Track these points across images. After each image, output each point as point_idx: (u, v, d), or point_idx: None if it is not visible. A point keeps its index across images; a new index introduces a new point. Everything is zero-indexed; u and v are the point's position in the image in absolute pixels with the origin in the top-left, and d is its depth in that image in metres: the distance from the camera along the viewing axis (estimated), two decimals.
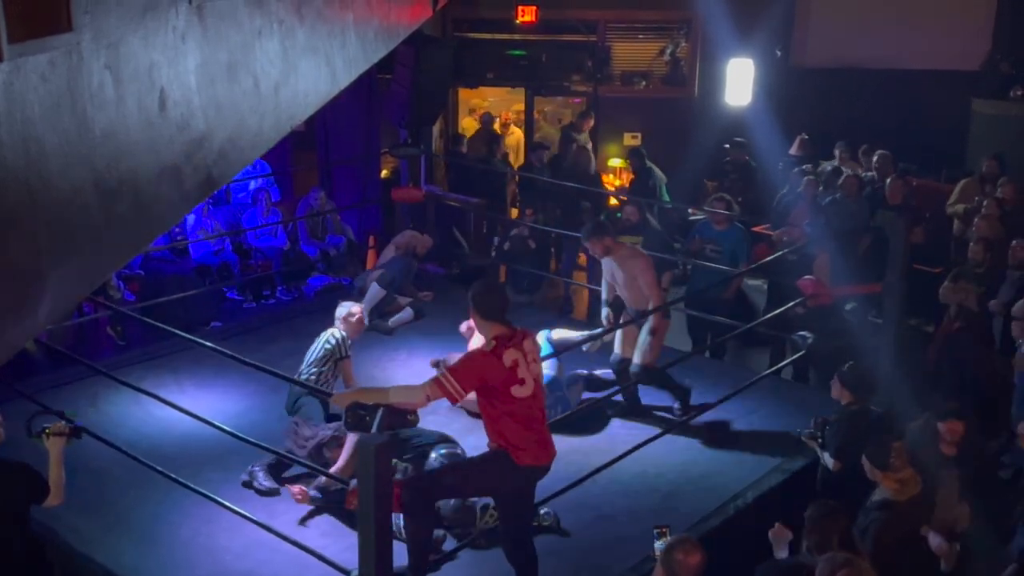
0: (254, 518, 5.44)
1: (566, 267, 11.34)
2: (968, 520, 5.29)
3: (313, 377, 6.77)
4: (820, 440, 6.19)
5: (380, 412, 5.00)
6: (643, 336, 6.99)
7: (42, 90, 2.82)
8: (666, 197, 11.66)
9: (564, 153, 12.35)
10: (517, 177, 12.29)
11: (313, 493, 5.93)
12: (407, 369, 7.93)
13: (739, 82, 11.86)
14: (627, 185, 12.31)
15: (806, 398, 7.54)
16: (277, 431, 6.61)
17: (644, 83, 13.81)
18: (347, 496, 5.57)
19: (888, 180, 10.15)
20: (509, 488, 4.95)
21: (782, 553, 5.03)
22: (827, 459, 6.11)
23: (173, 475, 5.73)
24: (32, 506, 5.06)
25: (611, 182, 13.23)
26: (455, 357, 6.40)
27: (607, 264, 7.16)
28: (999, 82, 11.82)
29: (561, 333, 7.54)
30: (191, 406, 6.19)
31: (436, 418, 6.65)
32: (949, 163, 11.71)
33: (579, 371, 7.47)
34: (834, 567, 4.29)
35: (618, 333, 7.16)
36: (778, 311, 7.78)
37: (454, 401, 4.71)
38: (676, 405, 7.22)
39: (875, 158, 11.08)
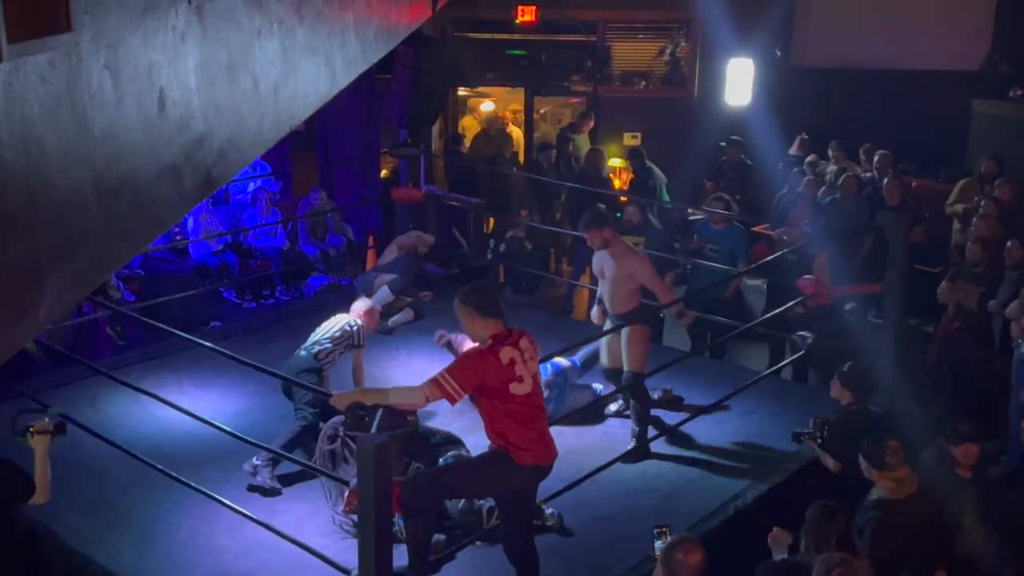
0: (255, 517, 5.44)
1: (579, 269, 11.21)
2: (983, 542, 5.31)
3: (327, 348, 6.82)
4: (819, 440, 6.19)
5: (380, 413, 5.00)
6: (623, 344, 6.76)
7: (42, 90, 2.82)
8: (666, 197, 11.66)
9: (562, 154, 12.34)
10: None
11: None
12: (407, 369, 7.94)
13: (739, 82, 11.86)
14: (627, 185, 12.31)
15: (806, 398, 7.54)
16: (277, 431, 6.61)
17: (644, 83, 13.81)
18: (347, 496, 5.57)
19: (885, 181, 10.15)
20: (510, 488, 4.95)
21: (781, 556, 5.03)
22: (827, 459, 6.11)
23: (173, 475, 5.73)
24: (29, 505, 5.04)
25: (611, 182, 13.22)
26: (461, 338, 6.37)
27: (599, 258, 6.89)
28: (999, 82, 11.83)
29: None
30: (191, 406, 6.19)
31: (436, 417, 6.66)
32: (949, 163, 11.72)
33: (595, 386, 7.46)
34: (830, 567, 4.30)
35: (602, 342, 6.96)
36: (778, 311, 7.78)
37: (453, 402, 4.68)
38: (632, 441, 6.78)
39: (875, 158, 11.09)
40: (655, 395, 7.31)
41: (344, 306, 7.38)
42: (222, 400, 7.42)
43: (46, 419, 5.02)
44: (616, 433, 6.95)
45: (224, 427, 5.70)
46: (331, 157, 12.13)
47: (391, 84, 10.15)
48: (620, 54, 13.92)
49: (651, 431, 6.74)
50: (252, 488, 6.22)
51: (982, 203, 9.28)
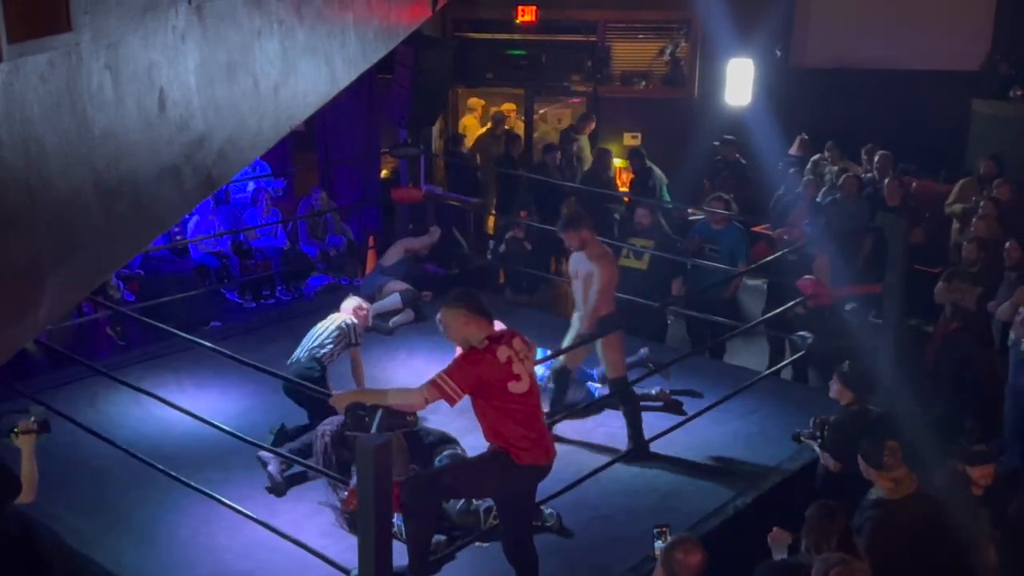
0: (255, 517, 5.44)
1: None
2: (995, 559, 5.30)
3: (327, 351, 6.84)
4: (820, 440, 6.19)
5: (379, 413, 5.00)
6: (599, 351, 6.69)
7: (42, 90, 2.82)
8: (667, 197, 11.66)
9: (566, 155, 12.33)
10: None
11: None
12: (407, 369, 7.94)
13: (739, 82, 11.87)
14: (627, 186, 12.30)
15: (806, 398, 7.54)
16: (277, 431, 6.62)
17: (644, 83, 13.80)
18: (347, 496, 5.57)
19: (886, 181, 10.15)
20: (509, 488, 4.95)
21: (780, 556, 5.03)
22: (827, 459, 6.11)
23: (173, 474, 5.73)
24: (29, 505, 5.05)
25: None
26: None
27: (575, 259, 6.79)
28: (999, 82, 11.83)
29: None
30: (191, 406, 6.19)
31: (436, 418, 6.66)
32: (949, 163, 11.72)
33: (590, 385, 7.47)
34: (828, 567, 4.31)
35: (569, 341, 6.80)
36: (778, 311, 7.78)
37: (452, 403, 4.67)
38: (628, 443, 6.70)
39: (875, 158, 11.09)
40: (653, 390, 7.33)
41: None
42: (222, 400, 7.42)
43: (31, 419, 5.02)
44: (616, 433, 6.95)
45: (224, 427, 5.70)
46: (331, 157, 12.13)
47: (391, 84, 10.15)
48: (620, 54, 13.92)
49: (651, 433, 6.73)
50: (254, 487, 6.21)
51: (981, 204, 9.28)
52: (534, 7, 13.27)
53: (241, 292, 10.66)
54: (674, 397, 7.49)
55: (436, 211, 10.83)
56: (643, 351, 7.75)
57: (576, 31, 13.74)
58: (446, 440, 6.20)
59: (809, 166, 11.67)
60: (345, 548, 5.28)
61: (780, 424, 7.03)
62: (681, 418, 7.02)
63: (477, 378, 4.66)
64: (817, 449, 6.22)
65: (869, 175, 11.00)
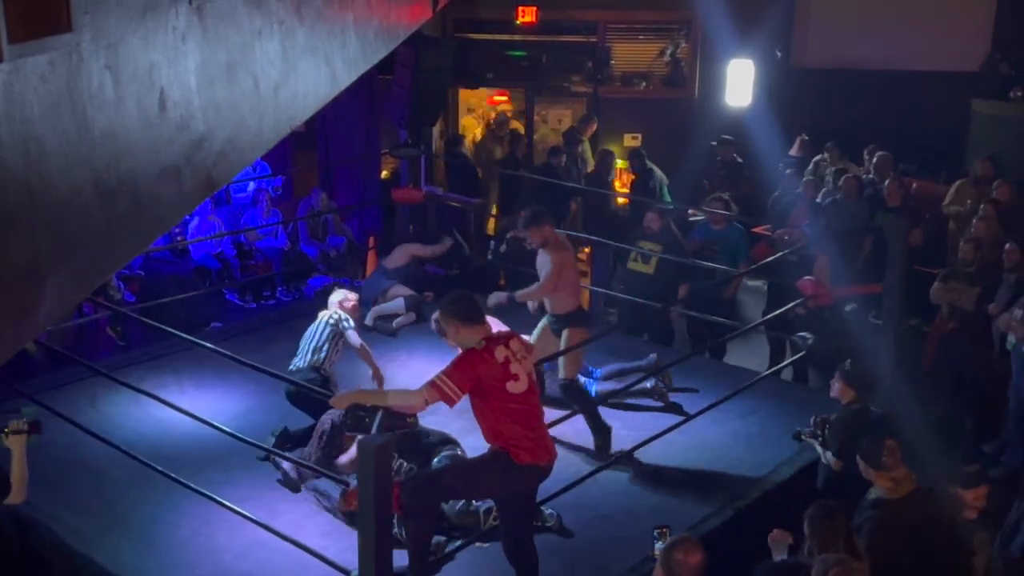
0: (254, 518, 5.44)
1: (599, 275, 11.14)
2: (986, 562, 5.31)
3: (324, 356, 6.88)
4: (821, 439, 6.20)
5: (380, 414, 5.01)
6: (561, 347, 6.65)
7: (42, 90, 2.82)
8: (668, 198, 11.65)
9: (571, 156, 12.32)
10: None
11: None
12: (407, 369, 7.94)
13: (739, 83, 11.87)
14: (628, 187, 12.30)
15: (806, 399, 7.54)
16: (277, 431, 6.62)
17: (644, 84, 13.80)
18: (347, 496, 5.57)
19: (887, 182, 10.15)
20: (509, 488, 4.95)
21: (781, 557, 5.03)
22: (829, 458, 6.12)
23: (173, 475, 5.73)
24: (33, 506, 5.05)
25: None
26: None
27: (542, 256, 6.78)
28: (999, 83, 11.82)
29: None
30: (191, 407, 6.19)
31: (436, 418, 6.66)
32: (949, 164, 11.72)
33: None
34: (827, 567, 4.32)
35: (532, 338, 6.66)
36: (779, 311, 7.78)
37: (451, 403, 4.68)
38: (593, 445, 6.71)
39: (874, 159, 11.09)
40: (647, 384, 7.32)
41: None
42: (222, 401, 7.42)
43: (22, 419, 5.02)
44: (616, 433, 6.94)
45: (224, 428, 5.70)
46: (331, 157, 12.13)
47: (392, 84, 10.16)
48: (620, 55, 13.92)
49: (651, 431, 6.72)
50: (254, 487, 6.22)
51: (981, 205, 9.27)
52: (534, 8, 13.26)
53: (241, 293, 10.66)
54: (672, 400, 7.48)
55: (436, 212, 10.83)
56: (652, 356, 7.72)
57: (576, 32, 13.74)
58: (446, 441, 6.20)
59: (810, 167, 11.68)
60: (345, 548, 5.28)
61: (780, 425, 7.03)
62: (681, 418, 7.02)
63: (476, 378, 4.67)
64: (819, 448, 6.22)
65: (869, 176, 10.99)
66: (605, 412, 7.10)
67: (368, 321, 8.60)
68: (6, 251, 2.73)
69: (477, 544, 5.58)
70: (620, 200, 11.94)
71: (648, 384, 7.38)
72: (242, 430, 5.90)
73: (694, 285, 8.95)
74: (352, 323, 7.15)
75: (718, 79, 12.45)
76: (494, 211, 12.21)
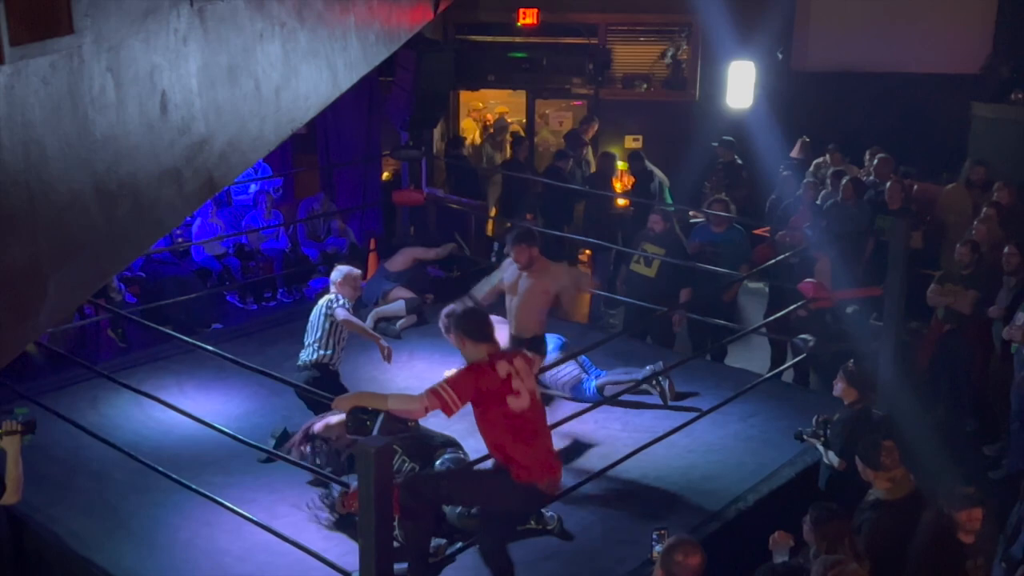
0: (255, 520, 5.44)
1: (599, 277, 11.12)
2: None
3: (329, 353, 6.79)
4: (823, 439, 6.20)
5: (381, 417, 5.00)
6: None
7: (43, 93, 2.82)
8: (669, 200, 11.65)
9: (576, 159, 12.32)
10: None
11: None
12: (408, 371, 7.94)
13: (740, 85, 11.87)
14: (628, 189, 12.30)
15: (807, 401, 7.53)
16: (278, 433, 6.61)
17: (645, 86, 13.80)
18: (348, 498, 5.57)
19: (888, 184, 10.15)
20: (504, 505, 4.94)
21: (782, 559, 5.03)
22: (831, 458, 6.12)
23: (174, 477, 5.73)
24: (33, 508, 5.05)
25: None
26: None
27: (513, 273, 6.70)
28: (999, 86, 11.82)
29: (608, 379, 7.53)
30: (192, 408, 6.18)
31: (438, 420, 6.65)
32: (949, 166, 11.71)
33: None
34: (825, 568, 4.32)
35: None
36: (780, 314, 7.78)
37: (449, 413, 4.67)
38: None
39: (875, 161, 11.09)
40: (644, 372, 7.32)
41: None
42: (223, 402, 7.41)
43: (16, 419, 5.01)
44: (617, 436, 6.95)
45: (225, 429, 5.70)
46: (332, 159, 12.14)
47: (393, 87, 10.16)
48: (621, 57, 13.91)
49: (652, 434, 6.72)
50: (255, 489, 6.21)
51: (984, 208, 9.27)
52: (535, 10, 13.27)
53: (242, 295, 10.66)
54: (673, 401, 7.47)
55: (437, 214, 10.84)
56: (659, 363, 7.69)
57: (577, 34, 13.74)
58: (448, 443, 6.20)
59: (811, 168, 11.67)
60: (346, 551, 5.27)
61: (781, 427, 7.02)
62: (682, 421, 7.01)
63: (476, 390, 4.68)
64: (820, 448, 6.22)
65: (870, 178, 10.99)
66: (606, 412, 7.11)
67: (369, 323, 8.60)
68: (7, 253, 2.73)
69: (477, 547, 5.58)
70: (620, 202, 11.94)
71: (646, 372, 7.36)
72: (243, 432, 5.90)
73: (693, 287, 8.94)
74: (343, 300, 6.94)
75: (719, 81, 12.46)
76: (492, 213, 12.22)
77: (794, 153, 12.11)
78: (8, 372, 6.54)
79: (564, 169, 11.54)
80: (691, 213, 10.89)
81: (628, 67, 13.90)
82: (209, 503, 5.59)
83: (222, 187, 4.66)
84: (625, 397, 7.26)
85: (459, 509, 5.71)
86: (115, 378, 6.48)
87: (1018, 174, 10.35)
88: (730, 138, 11.98)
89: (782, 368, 8.15)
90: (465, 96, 14.54)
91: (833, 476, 6.15)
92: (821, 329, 8.02)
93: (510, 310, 6.71)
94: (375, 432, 4.71)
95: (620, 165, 12.69)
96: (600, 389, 7.42)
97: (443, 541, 5.56)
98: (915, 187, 10.93)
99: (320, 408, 6.51)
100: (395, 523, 4.79)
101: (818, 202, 10.41)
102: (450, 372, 4.80)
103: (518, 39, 13.73)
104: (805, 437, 6.36)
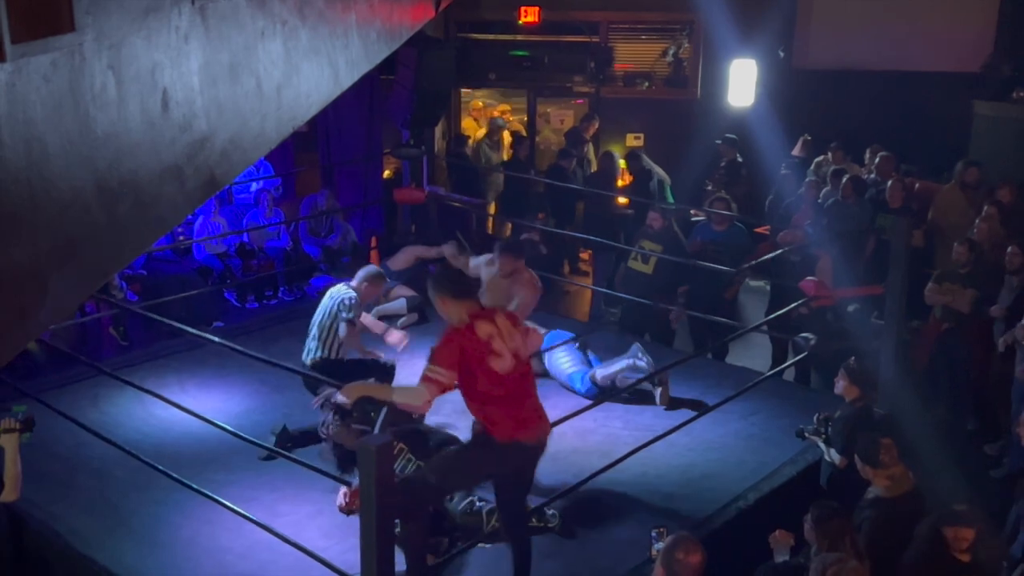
0: (256, 519, 5.44)
1: (600, 276, 11.11)
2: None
3: (334, 348, 6.78)
4: (824, 436, 6.20)
5: (384, 412, 5.01)
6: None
7: (44, 91, 2.82)
8: (670, 198, 11.64)
9: (576, 158, 12.32)
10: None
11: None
12: (408, 369, 7.89)
13: (742, 83, 11.85)
14: (627, 188, 12.29)
15: (808, 399, 7.54)
16: (279, 431, 6.62)
17: (646, 84, 13.80)
18: (349, 497, 5.58)
19: (889, 183, 10.15)
20: (496, 469, 4.92)
21: (782, 558, 5.03)
22: (832, 455, 6.12)
23: (175, 475, 5.74)
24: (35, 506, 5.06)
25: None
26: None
27: (491, 273, 7.06)
28: (1000, 84, 11.80)
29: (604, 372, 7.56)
30: (193, 406, 6.19)
31: (437, 419, 6.66)
32: (951, 165, 11.69)
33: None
34: (824, 566, 4.32)
35: None
36: (781, 312, 7.78)
37: (450, 388, 4.66)
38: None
39: (876, 160, 11.08)
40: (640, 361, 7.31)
41: None
42: (224, 400, 7.42)
43: (14, 417, 5.02)
44: (618, 435, 6.96)
45: (226, 427, 5.70)
46: (333, 158, 12.14)
47: (393, 85, 10.16)
48: (623, 55, 13.91)
49: (652, 432, 6.72)
50: (257, 487, 6.21)
51: (985, 207, 9.26)
52: (537, 8, 13.27)
53: (242, 293, 10.66)
54: (673, 397, 7.48)
55: (438, 212, 10.84)
56: (637, 346, 7.69)
57: (579, 32, 13.74)
58: (449, 441, 6.20)
59: (812, 167, 11.67)
60: (347, 549, 5.27)
61: (782, 425, 7.03)
62: (683, 419, 7.01)
63: (459, 353, 4.63)
64: (822, 446, 6.23)
65: (872, 176, 10.99)
66: (607, 410, 7.12)
67: (370, 322, 8.59)
68: (8, 251, 2.74)
69: (480, 545, 5.58)
70: (621, 200, 11.95)
71: (642, 362, 7.37)
72: (244, 429, 5.90)
73: (694, 286, 8.95)
74: (352, 302, 6.91)
75: (720, 79, 12.44)
76: (491, 211, 12.23)
77: (795, 151, 12.11)
78: (9, 370, 6.55)
79: (568, 168, 11.54)
80: (692, 212, 10.88)
81: (630, 65, 13.90)
82: (210, 501, 5.59)
83: (223, 185, 4.66)
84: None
85: (462, 505, 5.71)
86: (116, 376, 6.49)
87: (1019, 173, 10.33)
88: (733, 136, 11.98)
89: (783, 366, 8.15)
90: (466, 95, 14.54)
91: (834, 474, 6.16)
92: (822, 327, 8.02)
93: None
94: (377, 427, 4.72)
95: (622, 163, 12.70)
96: (592, 379, 7.47)
97: (445, 540, 5.56)
98: (916, 185, 10.92)
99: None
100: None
101: (819, 200, 10.41)
102: (432, 346, 4.74)
103: (519, 37, 13.73)
104: (806, 435, 6.37)
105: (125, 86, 3.31)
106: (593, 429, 6.99)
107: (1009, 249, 8.04)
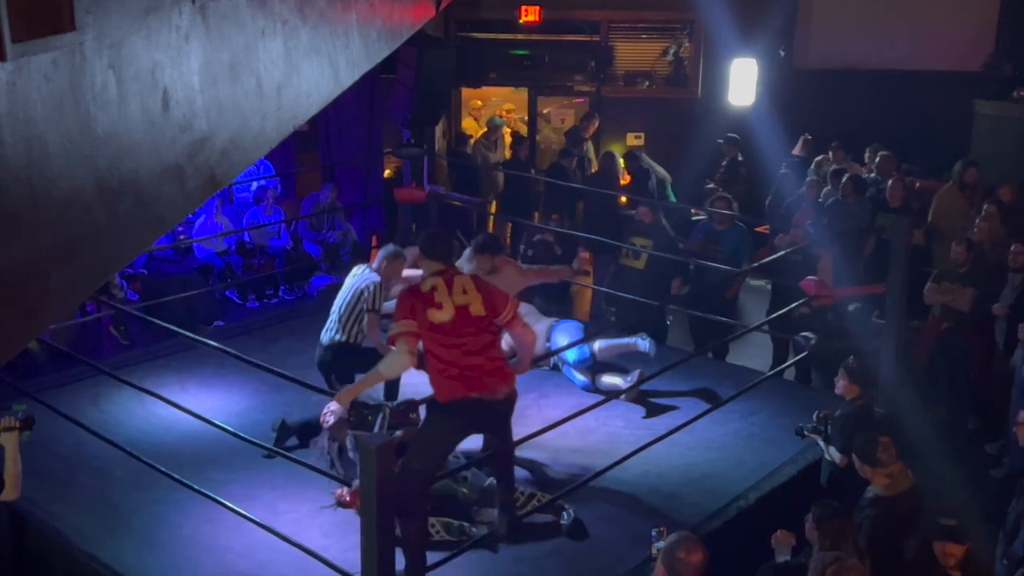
0: (256, 518, 5.44)
1: (600, 278, 11.09)
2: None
3: (353, 331, 6.69)
4: (824, 434, 6.20)
5: (382, 413, 5.01)
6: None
7: (45, 90, 2.82)
8: (672, 197, 11.63)
9: (576, 157, 12.31)
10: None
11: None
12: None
13: (742, 82, 11.85)
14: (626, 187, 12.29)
15: (808, 398, 7.53)
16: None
17: (647, 83, 13.80)
18: (350, 496, 5.58)
19: (890, 182, 10.15)
20: (457, 429, 4.92)
21: (784, 558, 5.03)
22: (832, 453, 6.12)
23: (175, 475, 5.74)
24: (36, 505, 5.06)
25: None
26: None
27: (472, 270, 6.82)
28: (1001, 83, 11.80)
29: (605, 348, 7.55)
30: (193, 405, 6.19)
31: None
32: (952, 164, 11.69)
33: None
34: (824, 565, 4.32)
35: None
36: (782, 311, 7.78)
37: (418, 338, 4.74)
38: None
39: (876, 159, 11.08)
40: (626, 382, 7.29)
41: None
42: (225, 399, 7.42)
43: (14, 416, 5.02)
44: (619, 434, 6.95)
45: (226, 427, 5.70)
46: (334, 157, 12.14)
47: (394, 84, 10.16)
48: (623, 54, 13.91)
49: (653, 432, 6.72)
50: (257, 486, 6.21)
51: (985, 205, 9.26)
52: (537, 7, 13.28)
53: (243, 292, 10.66)
54: (673, 399, 7.48)
55: (439, 211, 10.84)
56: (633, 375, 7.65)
57: (579, 31, 13.74)
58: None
59: (812, 166, 11.67)
60: (347, 548, 5.27)
61: (782, 425, 7.02)
62: (684, 418, 7.01)
63: (411, 308, 4.76)
64: (821, 444, 6.23)
65: (872, 175, 10.99)
66: (608, 409, 7.11)
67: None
68: (9, 250, 2.74)
69: (478, 524, 5.61)
70: (622, 199, 11.96)
71: (627, 381, 7.37)
72: (244, 429, 5.90)
73: (695, 285, 8.95)
74: (374, 288, 6.72)
75: (721, 78, 12.44)
76: (492, 210, 12.23)
77: (796, 151, 12.11)
78: (10, 369, 6.55)
79: (568, 167, 11.54)
80: (692, 211, 10.88)
81: (630, 64, 13.90)
82: (211, 500, 5.59)
83: (224, 184, 4.66)
84: (628, 381, 7.26)
85: (484, 484, 5.72)
86: (117, 375, 6.49)
87: (1020, 172, 10.33)
88: (735, 135, 11.98)
89: (784, 366, 8.14)
90: (466, 94, 14.54)
91: (835, 473, 6.16)
92: (823, 327, 8.02)
93: None
94: (376, 428, 4.72)
95: (623, 162, 12.70)
96: (592, 350, 7.55)
97: (468, 525, 5.58)
98: (917, 184, 10.92)
99: (336, 376, 6.55)
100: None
101: (820, 200, 10.41)
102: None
103: (520, 36, 13.73)
104: (806, 433, 6.37)
105: (126, 85, 3.31)
106: (594, 428, 6.98)
107: (1012, 247, 8.04)
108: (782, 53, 13.01)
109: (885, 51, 12.56)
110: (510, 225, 12.15)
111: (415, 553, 4.91)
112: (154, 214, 3.72)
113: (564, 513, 5.80)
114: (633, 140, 13.46)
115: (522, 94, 14.32)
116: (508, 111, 14.54)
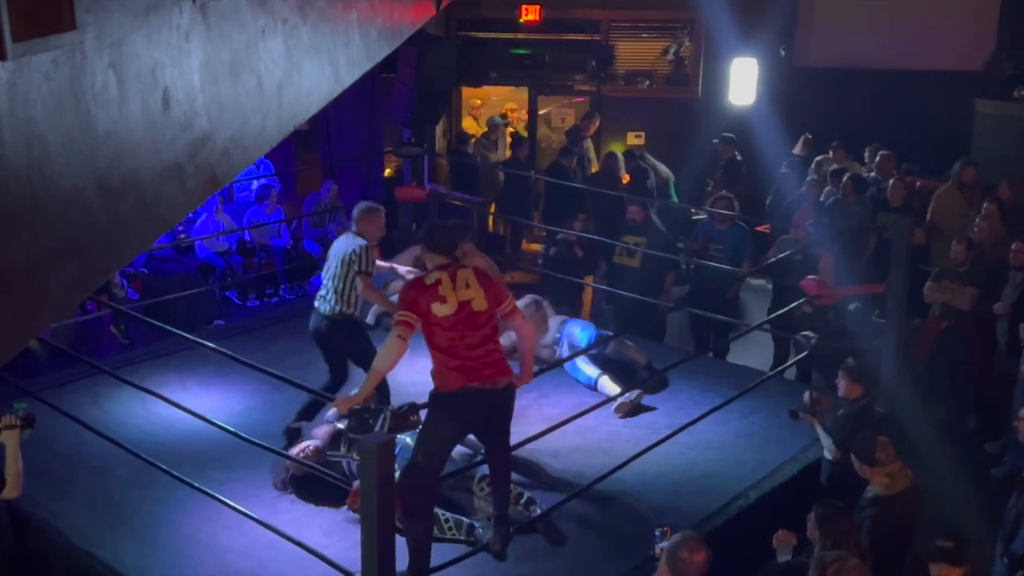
0: (256, 517, 5.44)
1: (601, 277, 11.07)
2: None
3: (346, 302, 6.60)
4: (815, 414, 6.20)
5: (383, 416, 5.01)
6: None
7: (45, 89, 2.82)
8: (674, 196, 11.62)
9: (576, 156, 12.31)
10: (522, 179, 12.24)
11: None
12: (410, 367, 7.86)
13: (743, 82, 11.84)
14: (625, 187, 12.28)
15: None
16: (279, 429, 6.62)
17: (648, 83, 13.79)
18: (350, 496, 5.57)
19: (891, 181, 10.14)
20: (458, 421, 4.93)
21: (785, 558, 5.03)
22: (825, 439, 6.13)
23: (176, 473, 5.74)
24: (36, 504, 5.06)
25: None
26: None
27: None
28: (1002, 83, 11.79)
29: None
30: (194, 405, 6.19)
31: None
32: (952, 164, 11.69)
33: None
34: (824, 564, 4.32)
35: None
36: (783, 311, 7.78)
37: (412, 327, 4.78)
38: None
39: (876, 158, 11.08)
40: (624, 398, 7.26)
41: None
42: (225, 398, 7.42)
43: (15, 414, 5.02)
44: (619, 433, 6.95)
45: (226, 426, 5.70)
46: (334, 156, 12.14)
47: (395, 83, 10.16)
48: (624, 54, 13.91)
49: (654, 430, 6.72)
50: (257, 485, 6.22)
51: (985, 204, 9.26)
52: (538, 6, 13.27)
53: (244, 292, 10.66)
54: (673, 398, 7.48)
55: (440, 210, 10.84)
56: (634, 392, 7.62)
57: (580, 30, 13.73)
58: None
59: (813, 166, 11.66)
60: (348, 547, 5.28)
61: (783, 424, 7.01)
62: (686, 418, 7.01)
63: (413, 301, 4.80)
64: (818, 428, 6.22)
65: (873, 175, 10.98)
66: (610, 410, 7.11)
67: (370, 319, 8.59)
68: (9, 249, 2.74)
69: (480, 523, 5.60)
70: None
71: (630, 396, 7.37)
72: (244, 428, 5.90)
73: (696, 285, 8.95)
74: (360, 250, 6.62)
75: (721, 78, 12.43)
76: (492, 209, 12.23)
77: (796, 150, 12.10)
78: (10, 368, 6.55)
79: (568, 166, 11.53)
80: (693, 211, 10.88)
81: (630, 64, 13.90)
82: (211, 499, 5.59)
83: (224, 183, 4.66)
84: (625, 397, 7.26)
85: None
86: (117, 374, 6.49)
87: (1021, 171, 10.33)
88: (730, 134, 11.97)
89: (785, 365, 8.14)
90: (467, 93, 14.54)
91: (835, 471, 6.15)
92: (824, 326, 8.02)
93: None
94: (378, 427, 4.72)
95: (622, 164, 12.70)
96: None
97: (472, 522, 5.58)
98: (918, 184, 10.92)
99: (342, 346, 6.57)
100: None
101: (820, 199, 10.41)
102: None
103: (520, 35, 13.73)
104: (800, 415, 6.36)
105: (126, 84, 3.31)
106: (594, 427, 6.97)
107: (1014, 246, 8.04)
108: (782, 52, 13.00)
109: (886, 50, 12.55)
110: (510, 225, 12.16)
111: (419, 553, 4.90)
112: (154, 213, 3.72)
113: (525, 500, 5.82)
114: (633, 139, 13.46)
115: (522, 93, 14.32)
116: (512, 111, 14.53)
